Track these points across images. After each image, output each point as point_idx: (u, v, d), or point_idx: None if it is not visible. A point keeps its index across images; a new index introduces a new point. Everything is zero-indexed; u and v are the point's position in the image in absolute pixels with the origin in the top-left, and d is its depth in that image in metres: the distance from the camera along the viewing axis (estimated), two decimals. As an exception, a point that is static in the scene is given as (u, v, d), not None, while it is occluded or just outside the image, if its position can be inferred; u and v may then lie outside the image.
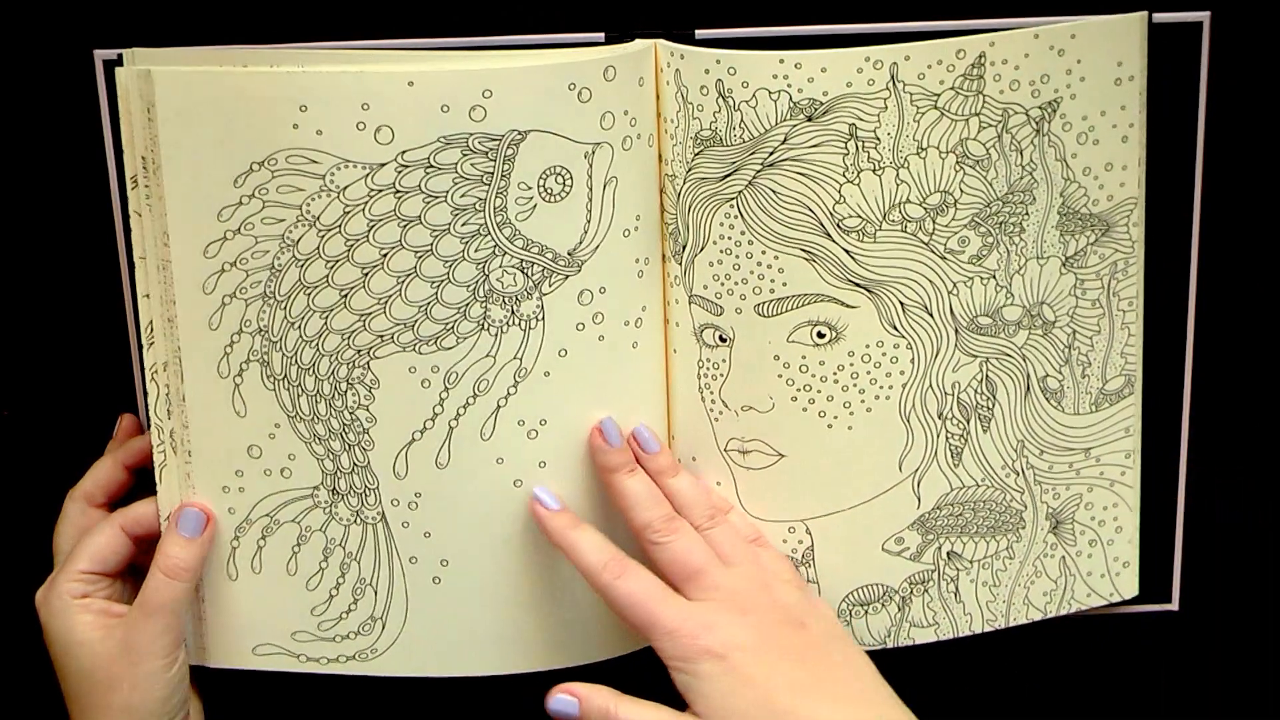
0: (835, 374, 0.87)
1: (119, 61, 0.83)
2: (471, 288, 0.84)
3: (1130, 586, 0.94)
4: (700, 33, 0.87)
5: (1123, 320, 0.90)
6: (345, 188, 0.83)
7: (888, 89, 0.83)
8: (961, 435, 0.89)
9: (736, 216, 0.85)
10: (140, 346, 0.87)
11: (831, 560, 0.90)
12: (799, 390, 0.88)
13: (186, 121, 0.83)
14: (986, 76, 0.84)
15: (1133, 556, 0.94)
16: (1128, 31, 0.86)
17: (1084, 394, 0.90)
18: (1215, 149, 0.91)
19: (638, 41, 0.85)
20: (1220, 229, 0.92)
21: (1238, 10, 0.89)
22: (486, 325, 0.85)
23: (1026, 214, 0.87)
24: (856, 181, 0.84)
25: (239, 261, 0.85)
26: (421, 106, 0.81)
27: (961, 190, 0.85)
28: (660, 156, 0.86)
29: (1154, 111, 0.88)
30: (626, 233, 0.86)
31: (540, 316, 0.85)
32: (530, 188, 0.83)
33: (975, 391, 0.89)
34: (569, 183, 0.84)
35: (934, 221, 0.86)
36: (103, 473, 0.90)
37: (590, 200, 0.84)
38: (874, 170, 0.84)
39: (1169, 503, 0.95)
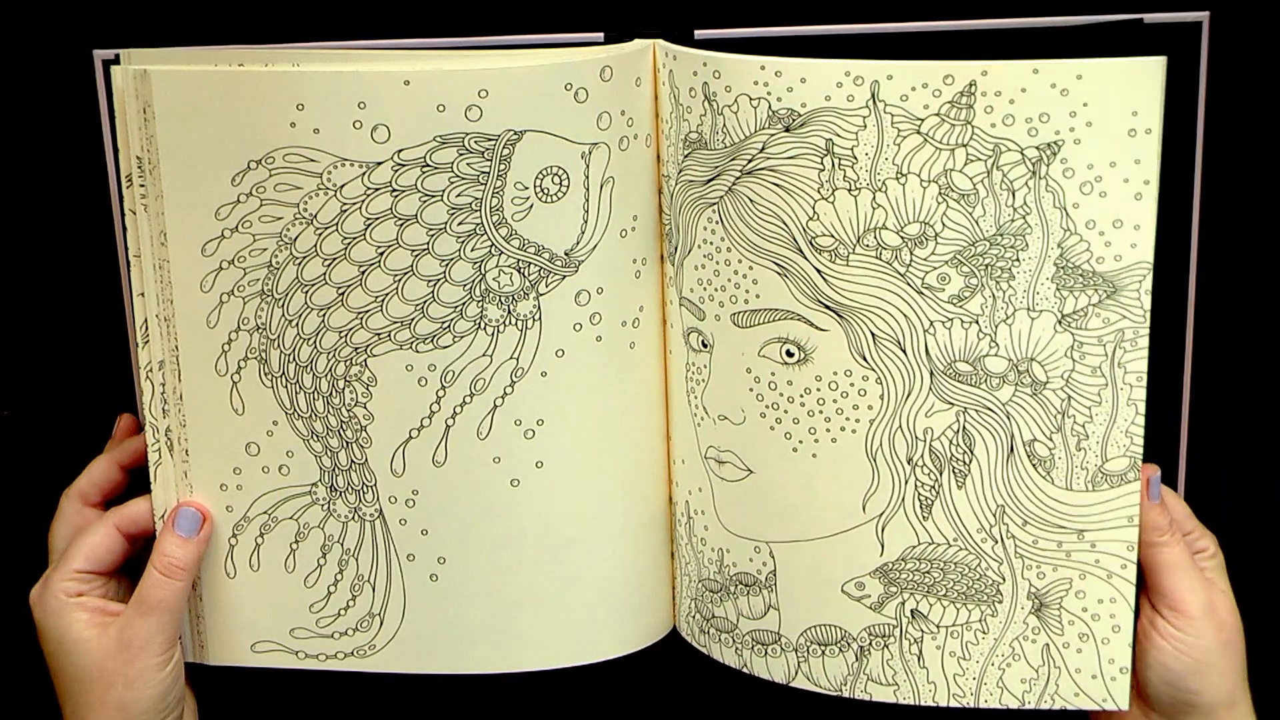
0: (802, 396, 0.85)
1: (117, 61, 0.83)
2: (468, 287, 0.84)
3: (1126, 697, 0.87)
4: (700, 33, 0.87)
5: (1129, 396, 0.83)
6: (342, 186, 0.83)
7: (867, 107, 0.80)
8: (932, 486, 0.85)
9: (717, 222, 0.84)
10: (138, 345, 0.87)
11: (792, 589, 0.88)
12: (767, 407, 0.86)
13: (183, 121, 0.83)
14: (976, 107, 0.80)
15: (1131, 662, 0.87)
16: (1144, 78, 0.79)
17: (1079, 469, 0.84)
18: (1215, 149, 0.91)
19: (635, 41, 0.84)
20: (1220, 229, 0.92)
21: (1238, 10, 0.89)
22: (483, 325, 0.85)
23: (1017, 260, 0.81)
24: (831, 199, 0.82)
25: (237, 259, 0.85)
26: (417, 106, 0.81)
27: (944, 224, 0.81)
28: (658, 157, 0.86)
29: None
30: (624, 233, 0.86)
31: (537, 316, 0.85)
32: (527, 188, 0.83)
33: (950, 442, 0.84)
34: (566, 183, 0.84)
35: (911, 253, 0.82)
36: (98, 471, 0.90)
37: (587, 200, 0.84)
38: (849, 190, 0.81)
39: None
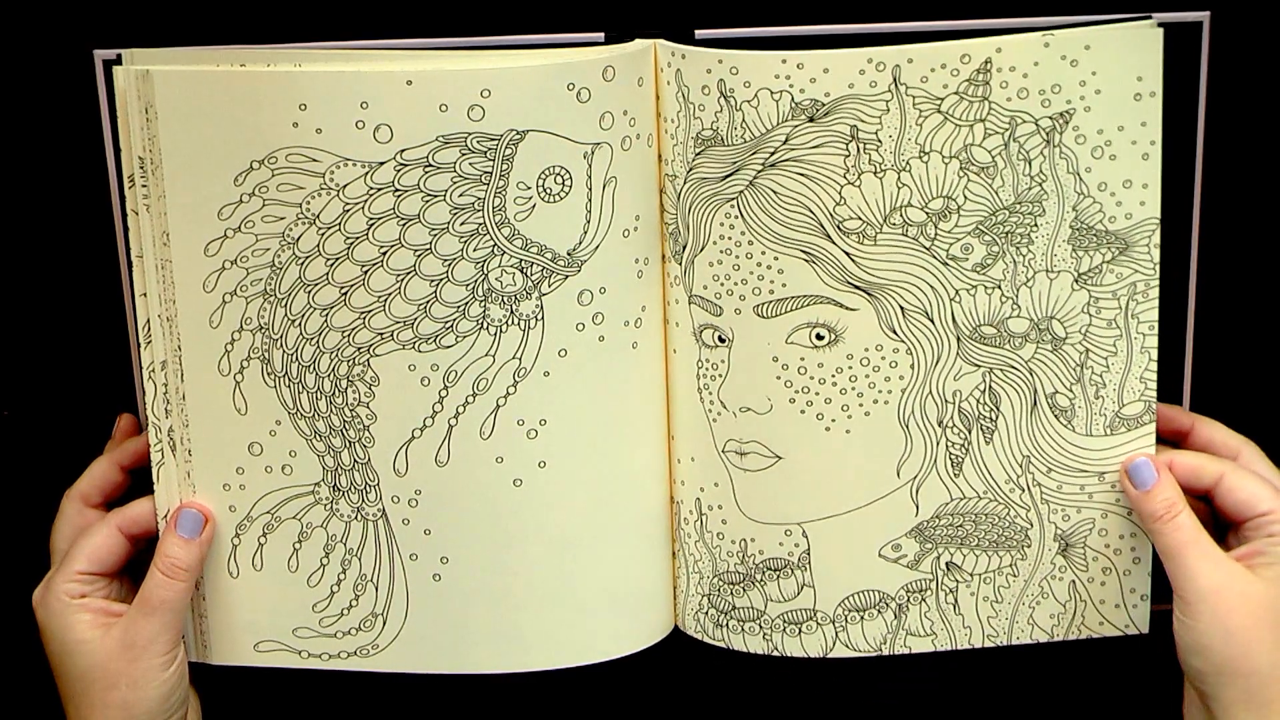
0: (834, 376, 0.87)
1: (118, 61, 0.83)
2: (470, 287, 0.84)
3: (1146, 622, 0.91)
4: (700, 33, 0.87)
5: (1142, 344, 0.87)
6: (345, 186, 0.83)
7: (889, 91, 0.83)
8: (962, 445, 0.88)
9: (737, 217, 0.85)
10: (139, 345, 0.87)
11: (827, 564, 0.90)
12: (797, 392, 0.87)
13: (186, 121, 0.83)
14: (993, 83, 0.83)
15: (1151, 590, 0.91)
16: (1147, 44, 0.83)
17: (1097, 416, 0.88)
18: (1215, 149, 0.91)
19: (637, 41, 0.85)
20: (1220, 229, 0.92)
21: (1238, 10, 0.89)
22: (486, 324, 0.85)
23: (1035, 225, 0.85)
24: (857, 183, 0.84)
25: (239, 259, 0.85)
26: (420, 106, 0.81)
27: (965, 197, 0.84)
28: (660, 156, 0.86)
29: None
30: (626, 233, 0.86)
31: (539, 316, 0.85)
32: (529, 187, 0.83)
33: (977, 402, 0.87)
34: (568, 183, 0.84)
35: (936, 227, 0.85)
36: (99, 472, 0.90)
37: (590, 200, 0.84)
38: (875, 173, 0.84)
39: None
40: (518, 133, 0.82)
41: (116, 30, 0.89)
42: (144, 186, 0.84)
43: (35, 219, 0.93)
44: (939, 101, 0.83)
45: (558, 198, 0.84)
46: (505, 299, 0.85)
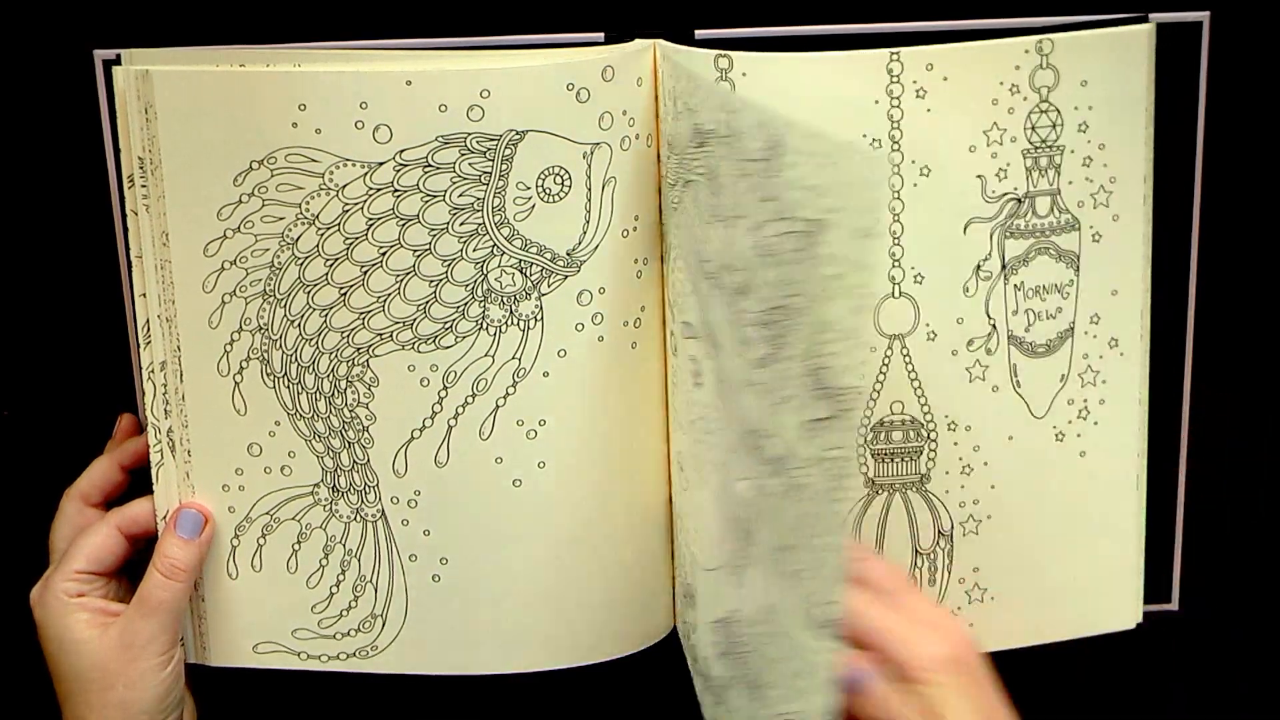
0: (698, 422, 0.81)
1: (118, 61, 0.83)
2: (470, 287, 0.84)
3: None
4: (700, 33, 0.87)
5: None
6: (344, 186, 0.83)
7: (727, 139, 0.73)
8: (741, 554, 0.76)
9: (677, 228, 0.83)
10: (139, 346, 0.87)
11: (701, 614, 0.85)
12: (690, 422, 0.83)
13: (185, 121, 0.83)
14: (784, 168, 0.68)
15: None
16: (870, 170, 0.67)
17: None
18: (1215, 149, 0.91)
19: (636, 41, 0.85)
20: (1221, 229, 0.92)
21: (1238, 10, 0.89)
22: (485, 325, 0.85)
23: (785, 338, 0.69)
24: (710, 225, 0.76)
25: (239, 260, 0.85)
26: (419, 106, 0.81)
27: (761, 282, 0.71)
28: (659, 157, 0.86)
29: (1154, 111, 0.88)
30: (625, 233, 0.86)
31: (539, 317, 0.85)
32: (529, 188, 0.83)
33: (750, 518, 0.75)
34: (567, 183, 0.84)
35: (737, 301, 0.73)
36: (99, 472, 0.90)
37: (589, 200, 0.84)
38: (719, 220, 0.74)
39: (1169, 503, 0.95)
40: (517, 133, 0.82)
41: (116, 30, 0.89)
42: (144, 186, 0.84)
43: (35, 219, 0.93)
44: (748, 163, 0.71)
45: (557, 198, 0.84)
46: (505, 299, 0.84)
